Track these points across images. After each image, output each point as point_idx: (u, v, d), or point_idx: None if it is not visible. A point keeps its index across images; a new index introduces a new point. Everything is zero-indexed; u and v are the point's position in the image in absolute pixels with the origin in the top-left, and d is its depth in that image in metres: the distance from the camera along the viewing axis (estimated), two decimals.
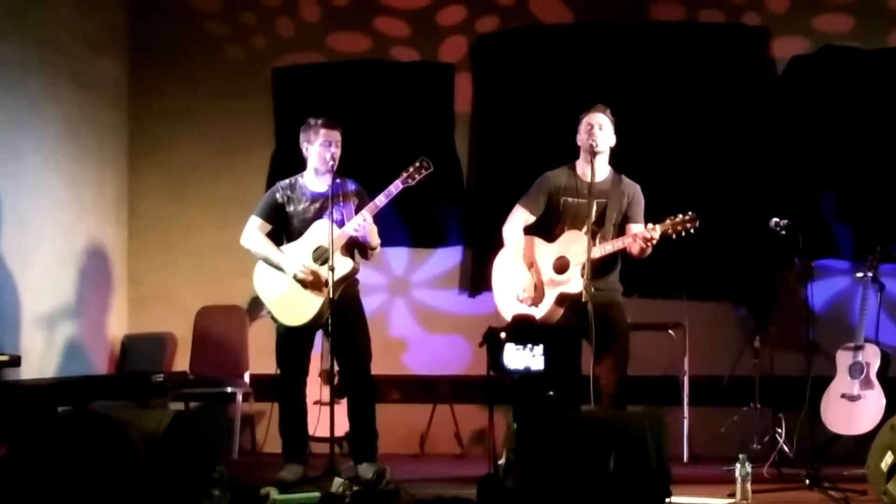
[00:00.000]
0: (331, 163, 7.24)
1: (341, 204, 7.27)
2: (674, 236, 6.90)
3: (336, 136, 7.33)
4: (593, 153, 7.03)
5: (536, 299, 7.05)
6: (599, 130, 7.07)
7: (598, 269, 6.95)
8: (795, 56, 9.14)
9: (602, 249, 6.95)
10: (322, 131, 7.32)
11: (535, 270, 7.13)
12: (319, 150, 7.31)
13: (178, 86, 9.87)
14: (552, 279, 7.07)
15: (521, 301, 7.06)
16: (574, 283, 6.95)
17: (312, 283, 7.21)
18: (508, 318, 6.88)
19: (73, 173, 9.22)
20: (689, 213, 6.88)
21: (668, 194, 7.55)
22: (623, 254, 7.11)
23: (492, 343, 5.90)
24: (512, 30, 9.56)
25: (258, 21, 9.89)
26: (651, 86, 9.21)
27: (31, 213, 8.67)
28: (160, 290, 9.80)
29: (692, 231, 6.88)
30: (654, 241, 6.88)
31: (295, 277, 7.22)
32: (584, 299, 6.79)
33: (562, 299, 7.02)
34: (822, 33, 9.12)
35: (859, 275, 8.43)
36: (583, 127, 7.14)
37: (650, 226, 6.91)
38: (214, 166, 9.78)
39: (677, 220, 6.89)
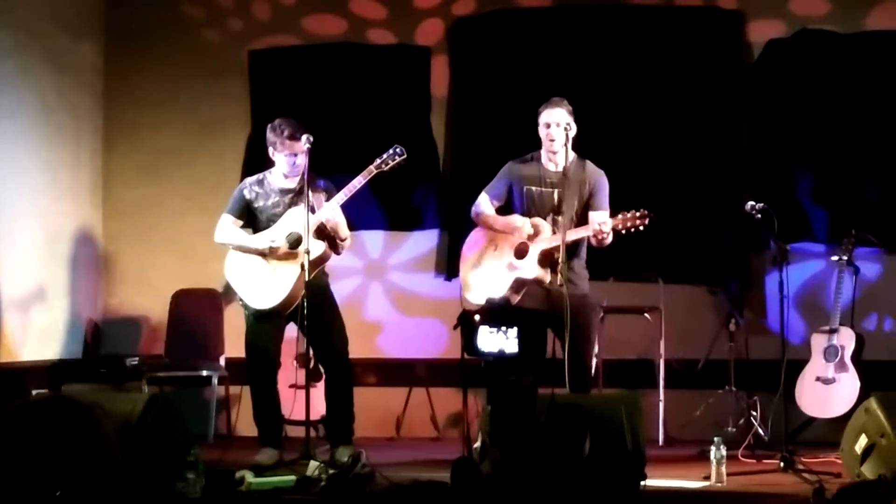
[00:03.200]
0: (298, 175, 7.24)
1: (311, 198, 7.25)
2: (623, 232, 6.92)
3: (300, 146, 7.28)
4: (552, 151, 7.08)
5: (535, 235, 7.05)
6: (557, 128, 7.09)
7: (555, 258, 6.95)
8: (771, 40, 9.14)
9: (556, 240, 6.95)
10: (287, 143, 7.31)
11: (499, 248, 7.16)
12: (286, 159, 7.33)
13: (155, 69, 9.82)
14: (511, 263, 7.10)
15: (529, 240, 7.06)
16: (530, 268, 6.97)
17: (284, 258, 7.21)
18: (471, 301, 6.93)
19: (49, 156, 9.18)
20: (641, 209, 6.90)
21: (644, 178, 7.60)
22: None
23: (466, 326, 5.91)
24: (489, 13, 9.53)
25: (234, 3, 9.84)
26: (627, 69, 9.21)
27: (7, 196, 8.63)
28: (136, 273, 9.76)
29: (641, 229, 6.89)
30: (605, 235, 6.90)
31: (268, 250, 7.22)
32: (559, 283, 6.80)
33: (518, 284, 7.04)
34: (798, 17, 9.13)
35: (834, 258, 8.46)
36: (541, 124, 7.17)
37: (603, 221, 6.93)
38: (191, 149, 9.74)
39: (628, 216, 6.91)
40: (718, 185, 9.00)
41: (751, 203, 7.36)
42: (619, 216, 6.93)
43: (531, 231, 7.05)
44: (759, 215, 7.34)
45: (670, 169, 8.94)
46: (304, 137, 7.22)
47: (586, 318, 7.11)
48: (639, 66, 9.22)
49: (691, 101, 9.14)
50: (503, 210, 7.32)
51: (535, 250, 7.02)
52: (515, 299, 7.05)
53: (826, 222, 8.91)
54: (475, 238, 7.41)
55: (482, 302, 6.69)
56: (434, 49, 9.62)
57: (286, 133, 7.32)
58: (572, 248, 7.04)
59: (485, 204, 7.34)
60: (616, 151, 7.41)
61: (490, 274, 7.20)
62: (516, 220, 7.17)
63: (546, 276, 6.95)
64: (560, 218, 7.05)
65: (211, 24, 9.87)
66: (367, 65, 9.63)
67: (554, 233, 6.99)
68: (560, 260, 6.79)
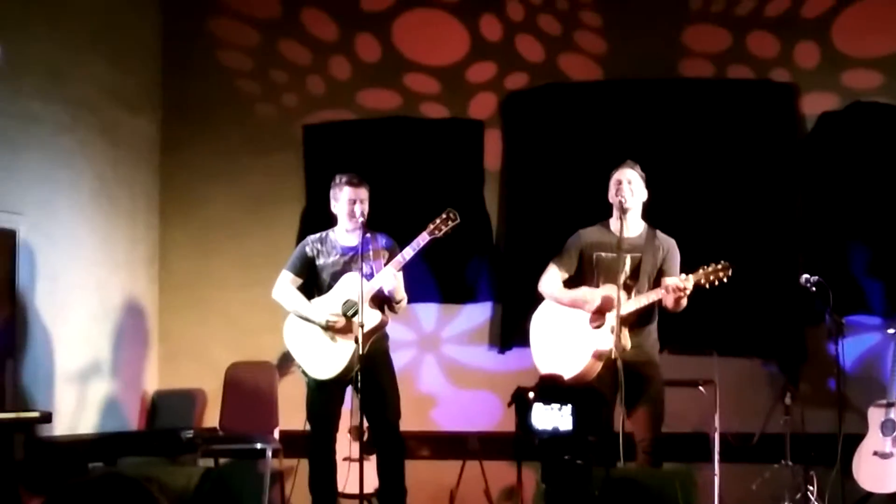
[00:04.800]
0: (360, 219, 7.29)
1: (371, 258, 7.30)
2: (707, 286, 6.89)
3: (362, 193, 7.39)
4: (623, 209, 7.05)
5: (602, 317, 7.03)
6: (629, 185, 7.11)
7: (634, 323, 6.98)
8: (824, 112, 9.14)
9: (637, 302, 6.95)
10: (347, 189, 7.40)
11: (574, 323, 7.14)
12: (346, 206, 7.38)
13: (209, 143, 9.94)
14: (588, 335, 7.07)
15: (596, 311, 7.05)
16: (609, 338, 6.95)
17: (342, 331, 7.24)
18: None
19: (106, 230, 9.28)
20: (722, 262, 6.88)
21: (699, 250, 7.53)
22: (661, 309, 7.10)
23: (520, 403, 5.89)
24: (541, 86, 9.58)
25: (289, 79, 9.95)
26: (680, 142, 9.22)
27: (65, 270, 8.72)
28: (190, 345, 9.82)
29: (725, 280, 6.87)
30: (688, 292, 6.88)
31: (325, 325, 7.26)
32: (613, 355, 6.81)
33: (599, 355, 7.02)
34: (851, 89, 9.13)
35: (891, 331, 8.41)
36: (612, 183, 7.17)
37: (683, 276, 6.92)
38: (245, 223, 9.82)
39: (710, 269, 6.89)
40: (773, 258, 8.97)
41: (805, 276, 7.36)
42: (701, 270, 6.90)
43: (599, 304, 7.04)
44: (814, 288, 7.34)
45: (724, 241, 8.87)
46: (366, 185, 7.33)
47: (659, 390, 7.12)
48: (691, 139, 9.23)
49: (745, 174, 9.13)
50: (572, 281, 7.30)
51: (611, 319, 6.99)
52: (597, 368, 7.03)
53: (882, 295, 8.85)
54: (545, 312, 7.39)
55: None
56: (487, 123, 9.67)
57: (346, 178, 7.43)
58: (646, 315, 7.05)
59: (552, 277, 7.30)
60: (670, 223, 7.38)
61: (567, 347, 7.18)
62: (586, 293, 7.15)
63: (627, 342, 6.92)
64: (635, 283, 7.05)
65: (266, 99, 9.98)
66: (421, 138, 9.70)
67: (628, 298, 6.97)
68: (615, 326, 6.79)
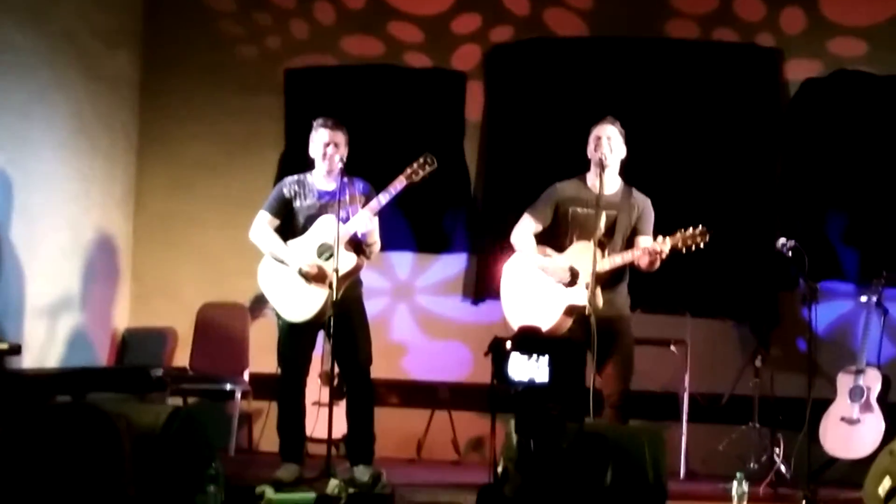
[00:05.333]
0: (338, 164, 7.26)
1: (347, 203, 7.28)
2: (683, 250, 6.89)
3: (338, 137, 7.36)
4: (602, 166, 7.04)
5: (572, 281, 7.02)
6: (608, 142, 7.09)
7: (607, 281, 6.97)
8: (808, 79, 9.15)
9: (611, 262, 6.95)
10: (323, 131, 7.38)
11: (546, 277, 7.14)
12: (323, 150, 7.35)
13: (190, 83, 9.87)
14: (560, 290, 7.07)
15: (563, 283, 7.03)
16: (582, 294, 6.94)
17: (316, 278, 7.22)
18: (516, 326, 6.86)
19: (83, 167, 9.21)
20: (700, 226, 6.88)
21: (676, 210, 7.54)
22: (631, 267, 7.10)
23: (497, 353, 5.89)
24: (526, 41, 9.56)
25: (272, 21, 9.89)
26: (662, 102, 9.22)
27: (38, 205, 8.65)
28: (163, 284, 9.79)
29: (702, 246, 6.87)
30: (664, 255, 6.88)
31: (299, 272, 7.24)
32: (587, 311, 6.81)
33: (570, 310, 7.01)
34: (836, 57, 9.14)
35: (863, 298, 8.44)
36: (592, 139, 7.15)
37: (660, 239, 6.91)
38: (223, 165, 9.78)
39: (688, 233, 6.88)
40: (750, 221, 8.99)
41: (782, 240, 7.36)
42: (678, 234, 6.90)
43: (568, 280, 7.03)
44: (790, 253, 7.33)
45: (702, 202, 8.90)
46: (343, 130, 7.33)
47: (629, 344, 7.14)
48: (673, 100, 9.23)
49: (725, 136, 9.14)
50: (545, 234, 7.28)
51: (584, 277, 6.97)
52: (568, 324, 7.04)
53: (856, 262, 8.89)
54: (517, 264, 7.36)
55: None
56: (470, 74, 9.65)
57: (325, 122, 7.41)
58: (619, 273, 7.06)
59: (525, 229, 7.26)
60: (648, 182, 7.37)
61: (538, 301, 7.16)
62: (555, 267, 7.09)
63: (599, 300, 6.92)
64: (609, 240, 7.04)
65: (248, 41, 9.92)
66: (403, 87, 9.67)
67: (602, 256, 6.96)
68: (590, 283, 6.80)
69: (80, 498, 5.64)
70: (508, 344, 5.88)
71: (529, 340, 5.94)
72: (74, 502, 5.61)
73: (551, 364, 5.78)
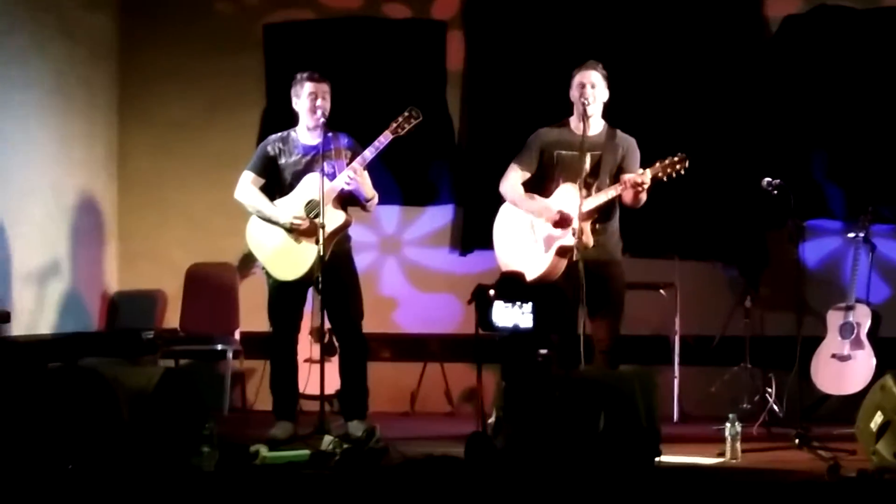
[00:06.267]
0: (320, 117, 7.22)
1: (333, 158, 7.25)
2: (665, 179, 6.88)
3: (324, 88, 7.31)
4: (586, 112, 7.02)
5: (562, 221, 7.00)
6: (592, 89, 7.07)
7: (595, 220, 6.95)
8: (789, 15, 9.08)
9: (596, 199, 6.93)
10: (308, 84, 7.32)
11: (536, 223, 7.12)
12: (308, 102, 7.30)
13: (169, 42, 9.81)
14: (551, 233, 7.05)
15: (552, 222, 7.01)
16: (570, 235, 6.93)
17: (306, 233, 7.19)
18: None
19: (63, 129, 9.16)
20: (679, 154, 6.87)
21: (660, 152, 7.52)
22: (622, 210, 7.09)
23: (480, 300, 5.89)
24: None
25: None
26: (644, 43, 9.15)
27: (19, 168, 8.62)
28: (151, 246, 9.76)
29: (682, 172, 6.86)
30: (646, 186, 6.87)
31: (289, 227, 7.22)
32: (575, 257, 6.80)
33: (562, 251, 6.98)
34: None
35: (851, 235, 8.43)
36: (575, 84, 7.12)
37: (640, 171, 6.91)
38: (205, 123, 9.73)
39: (666, 162, 6.89)
40: (735, 162, 8.95)
41: (767, 179, 7.34)
42: (657, 164, 6.89)
43: (557, 219, 7.00)
44: (776, 192, 7.31)
45: (686, 144, 8.77)
46: (327, 82, 7.29)
47: (620, 290, 7.13)
48: (654, 39, 9.16)
49: (708, 76, 9.09)
50: (533, 179, 7.26)
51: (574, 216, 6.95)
52: (562, 266, 7.00)
53: (842, 199, 8.87)
54: (507, 213, 7.35)
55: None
56: (450, 23, 9.59)
57: (308, 75, 7.35)
58: (607, 212, 7.04)
59: (513, 179, 7.25)
60: (631, 123, 7.34)
61: (531, 246, 7.14)
62: (543, 207, 7.08)
63: (589, 240, 6.90)
64: (595, 180, 7.02)
65: None
66: (383, 39, 9.60)
67: (588, 196, 6.95)
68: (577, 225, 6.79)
69: (79, 459, 5.66)
70: (491, 291, 5.88)
71: (512, 287, 5.93)
72: (73, 464, 5.64)
73: (535, 310, 5.77)
